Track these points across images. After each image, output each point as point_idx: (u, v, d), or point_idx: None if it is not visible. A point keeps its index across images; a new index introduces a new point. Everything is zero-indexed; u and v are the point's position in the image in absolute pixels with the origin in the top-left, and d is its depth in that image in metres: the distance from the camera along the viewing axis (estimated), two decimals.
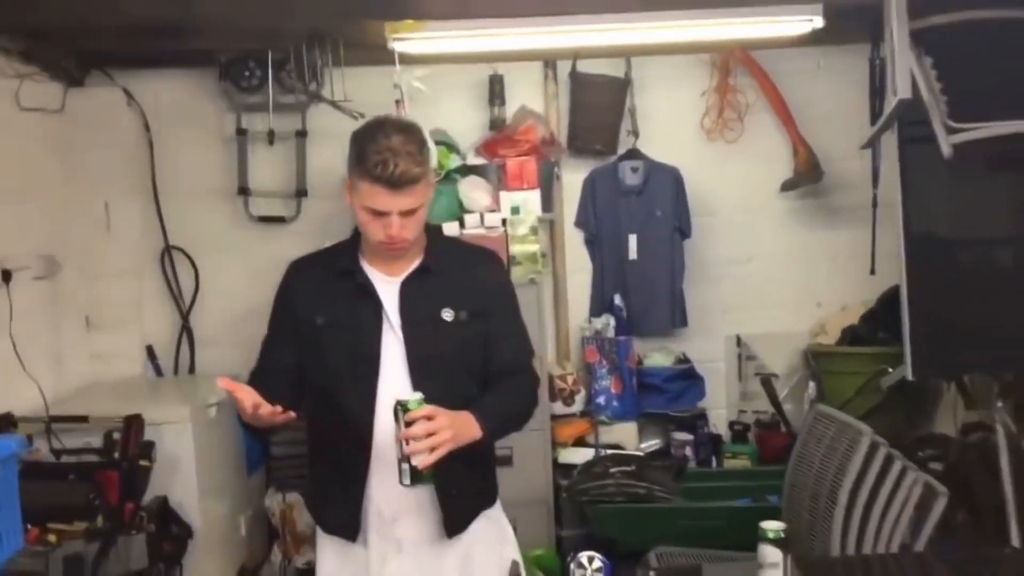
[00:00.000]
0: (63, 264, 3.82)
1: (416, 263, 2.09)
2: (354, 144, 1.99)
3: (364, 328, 2.03)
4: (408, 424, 1.82)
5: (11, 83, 3.47)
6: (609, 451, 3.87)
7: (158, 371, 4.19)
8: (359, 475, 2.03)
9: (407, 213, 1.96)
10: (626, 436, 4.02)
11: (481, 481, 2.16)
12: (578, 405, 4.07)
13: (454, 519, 2.06)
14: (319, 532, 2.16)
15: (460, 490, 2.05)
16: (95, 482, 3.04)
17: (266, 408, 1.82)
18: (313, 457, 2.20)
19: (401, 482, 1.86)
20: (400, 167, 1.91)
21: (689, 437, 4.04)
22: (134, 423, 3.20)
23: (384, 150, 1.91)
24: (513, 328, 2.16)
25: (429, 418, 1.82)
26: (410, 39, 3.37)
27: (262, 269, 4.13)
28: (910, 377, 3.16)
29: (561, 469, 3.89)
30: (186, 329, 4.22)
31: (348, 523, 2.06)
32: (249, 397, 1.82)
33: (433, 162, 1.97)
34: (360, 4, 3.29)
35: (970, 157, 3.12)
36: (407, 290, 2.06)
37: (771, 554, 1.87)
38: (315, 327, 2.06)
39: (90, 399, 3.55)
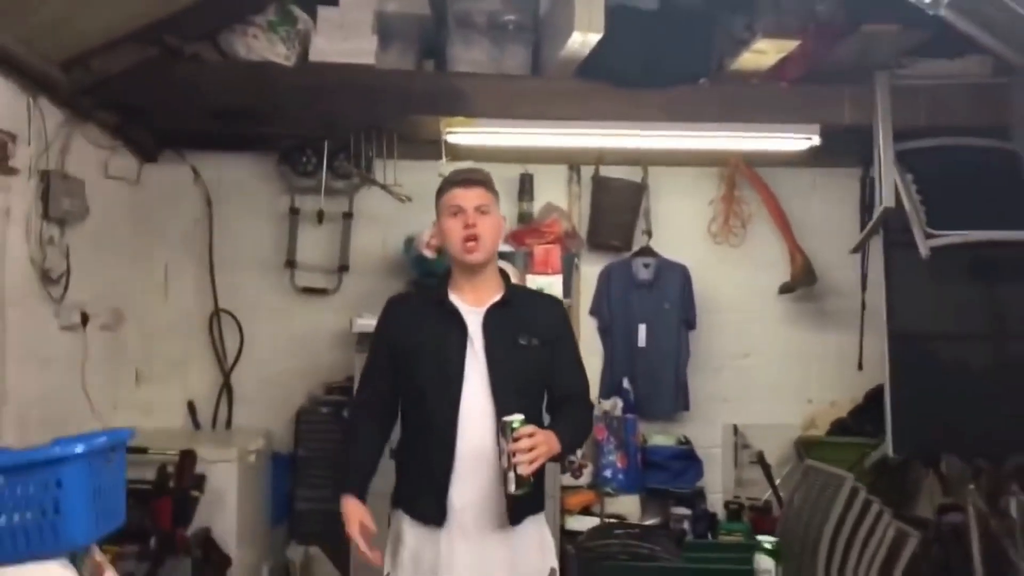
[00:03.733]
0: (126, 319, 4.20)
1: (497, 297, 2.51)
2: (440, 186, 2.54)
3: (451, 348, 2.43)
4: (515, 440, 2.20)
5: (103, 154, 3.93)
6: (614, 519, 4.15)
7: (196, 425, 4.50)
8: (444, 473, 2.39)
9: (480, 211, 2.43)
10: (629, 508, 4.32)
11: (536, 486, 2.47)
12: (586, 478, 4.37)
13: (514, 510, 2.41)
14: (402, 518, 2.49)
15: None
16: (150, 508, 3.34)
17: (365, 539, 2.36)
18: (403, 458, 2.55)
19: (507, 490, 2.25)
20: (470, 171, 2.55)
21: (688, 512, 4.32)
22: (188, 457, 3.52)
23: (460, 169, 2.55)
24: (575, 360, 2.60)
25: (530, 435, 2.22)
26: (459, 133, 3.86)
27: (302, 336, 4.57)
28: (890, 454, 3.50)
29: (568, 535, 4.16)
30: (226, 387, 4.55)
31: (436, 512, 2.41)
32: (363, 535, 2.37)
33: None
34: (420, 101, 3.78)
35: (949, 262, 3.57)
36: (490, 318, 2.47)
37: (765, 562, 2.19)
38: (409, 348, 2.47)
39: (143, 439, 3.85)
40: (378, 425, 2.55)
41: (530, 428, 2.25)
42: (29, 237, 3.27)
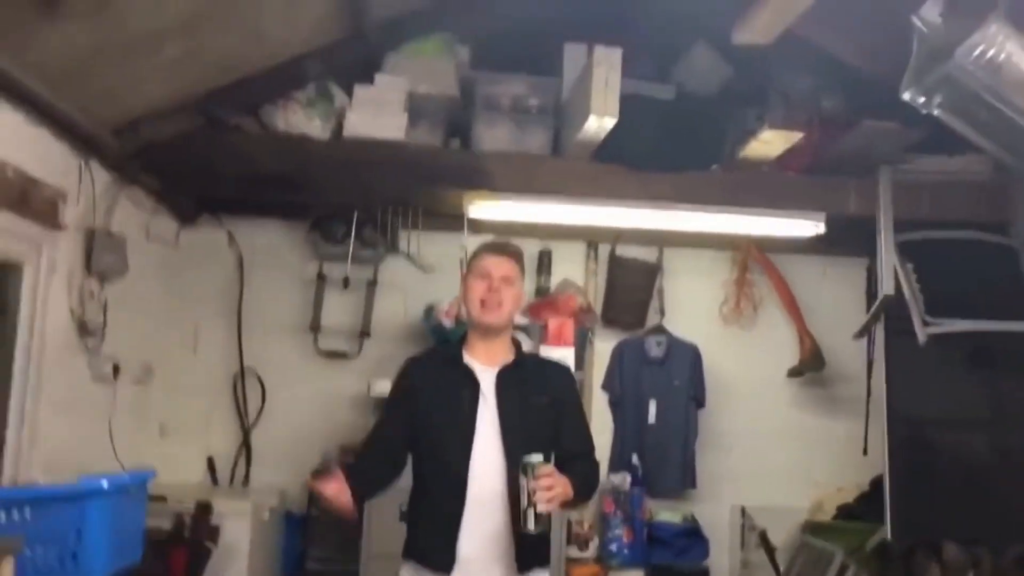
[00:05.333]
0: (155, 374, 4.38)
1: (509, 359, 2.67)
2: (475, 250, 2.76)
3: (464, 402, 2.58)
4: (536, 478, 2.34)
5: (145, 215, 4.17)
6: None
7: (215, 480, 4.63)
8: (454, 521, 2.51)
9: (505, 281, 2.61)
10: None
11: (541, 541, 2.59)
12: (591, 550, 4.44)
13: (522, 558, 2.52)
14: (412, 569, 2.59)
15: (530, 540, 2.49)
16: (165, 557, 3.46)
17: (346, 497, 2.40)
18: (414, 510, 2.67)
19: (525, 527, 2.37)
20: (505, 243, 2.78)
21: None
22: (204, 509, 3.65)
23: (497, 240, 2.74)
24: (582, 421, 2.75)
25: (549, 474, 2.36)
26: (482, 207, 4.06)
27: (321, 398, 4.71)
28: (889, 538, 3.55)
29: None
30: (246, 445, 4.68)
31: (445, 560, 2.51)
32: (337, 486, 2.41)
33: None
34: (446, 176, 3.99)
35: (948, 350, 3.68)
36: (502, 377, 2.63)
37: None
38: (424, 401, 2.62)
39: (162, 489, 3.99)
40: (384, 459, 2.64)
41: (550, 468, 2.39)
42: (71, 290, 3.48)
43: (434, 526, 2.55)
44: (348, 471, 2.54)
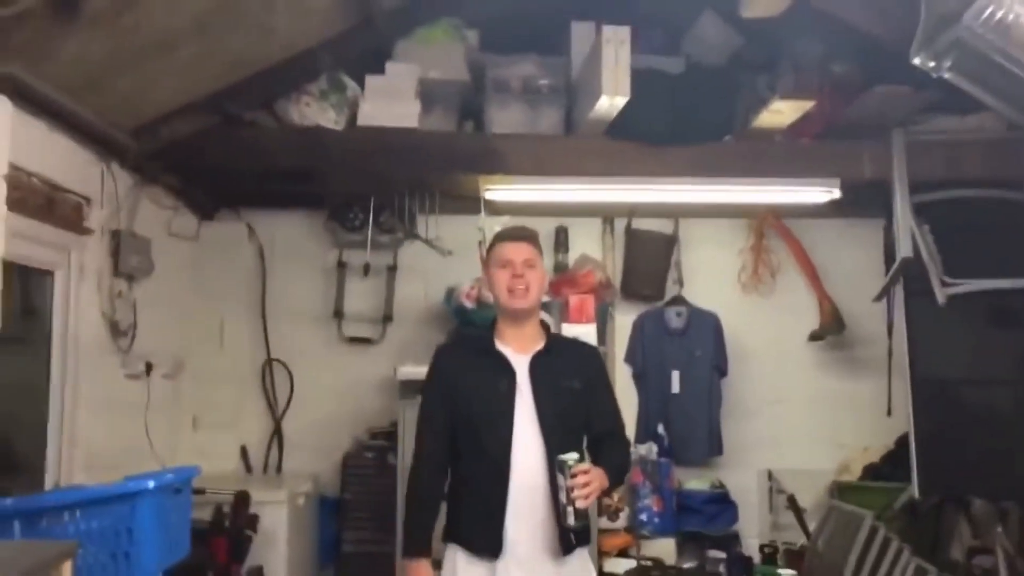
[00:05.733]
0: (185, 368, 4.46)
1: (540, 345, 2.72)
2: (491, 240, 2.80)
3: (501, 390, 2.63)
4: (572, 476, 2.40)
5: (166, 213, 4.23)
6: (650, 562, 4.27)
7: (248, 468, 4.72)
8: (499, 507, 2.56)
9: (527, 264, 2.65)
10: (665, 551, 4.44)
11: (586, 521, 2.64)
12: (622, 521, 4.50)
13: (566, 541, 2.58)
14: (456, 552, 2.64)
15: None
16: (207, 546, 3.55)
17: None
18: (457, 495, 2.71)
19: (567, 523, 2.44)
20: (520, 228, 2.79)
21: (723, 555, 4.42)
22: (242, 498, 3.73)
23: (511, 227, 2.85)
24: (612, 402, 2.81)
25: (586, 472, 2.42)
26: (497, 190, 4.10)
27: (348, 383, 4.79)
28: (916, 495, 3.60)
29: None
30: (277, 432, 4.77)
31: (492, 545, 2.57)
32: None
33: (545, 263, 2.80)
34: (460, 161, 4.03)
35: (967, 309, 3.70)
36: (536, 364, 2.68)
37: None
38: (462, 392, 2.66)
39: (199, 481, 4.08)
40: (440, 476, 2.70)
41: (586, 465, 2.46)
42: (100, 292, 3.55)
43: (479, 513, 2.60)
44: (423, 542, 2.63)
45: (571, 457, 2.43)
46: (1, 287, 2.54)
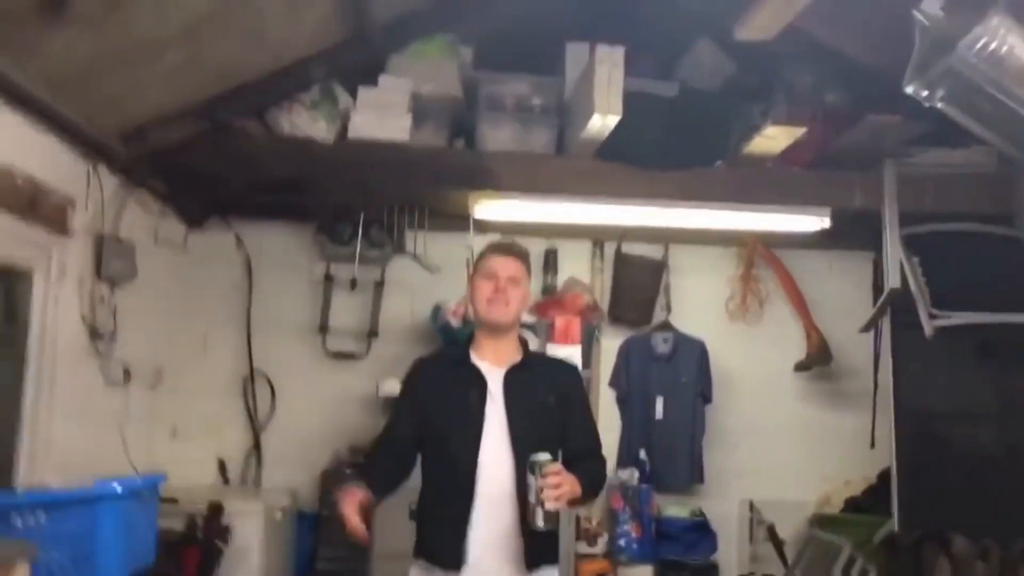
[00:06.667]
0: (165, 377, 4.41)
1: (516, 360, 2.70)
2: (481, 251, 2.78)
3: (472, 401, 2.61)
4: (543, 476, 2.37)
5: (153, 219, 4.20)
6: None
7: (226, 481, 4.66)
8: (463, 518, 2.53)
9: (511, 281, 2.63)
10: None
11: (550, 539, 2.61)
12: (600, 546, 4.46)
13: (531, 556, 2.55)
14: (422, 568, 2.61)
15: (537, 535, 2.51)
16: (177, 557, 3.50)
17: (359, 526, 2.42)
18: (423, 509, 2.69)
19: (535, 524, 2.40)
20: (512, 244, 2.81)
21: None
22: (216, 509, 3.68)
23: (503, 241, 2.78)
24: (589, 419, 2.79)
25: (557, 472, 2.38)
26: (487, 207, 4.08)
27: (331, 398, 4.74)
28: (896, 529, 3.56)
29: None
30: (257, 446, 4.71)
31: (455, 557, 2.54)
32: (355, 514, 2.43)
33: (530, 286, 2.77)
34: (451, 176, 4.02)
35: (955, 343, 3.68)
36: (510, 377, 2.66)
37: None
38: (432, 400, 2.65)
39: (174, 491, 4.02)
40: (396, 461, 2.67)
41: (557, 466, 2.42)
42: (81, 296, 3.51)
43: (443, 525, 2.57)
44: (361, 474, 2.57)
45: (544, 457, 2.40)
46: None
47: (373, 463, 2.72)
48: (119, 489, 2.27)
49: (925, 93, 2.88)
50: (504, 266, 2.68)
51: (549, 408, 2.65)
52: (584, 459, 2.66)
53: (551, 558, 2.64)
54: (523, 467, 2.47)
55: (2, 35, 2.53)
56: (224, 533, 3.67)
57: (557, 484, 2.39)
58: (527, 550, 2.54)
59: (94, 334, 3.61)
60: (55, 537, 2.23)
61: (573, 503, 2.53)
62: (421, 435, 2.66)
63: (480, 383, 2.63)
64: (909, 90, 2.88)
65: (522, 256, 2.75)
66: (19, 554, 1.84)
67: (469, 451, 2.56)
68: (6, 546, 1.92)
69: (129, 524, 2.30)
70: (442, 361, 2.87)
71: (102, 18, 2.76)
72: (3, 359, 3.21)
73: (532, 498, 2.40)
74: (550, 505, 2.38)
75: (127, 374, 3.87)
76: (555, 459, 2.47)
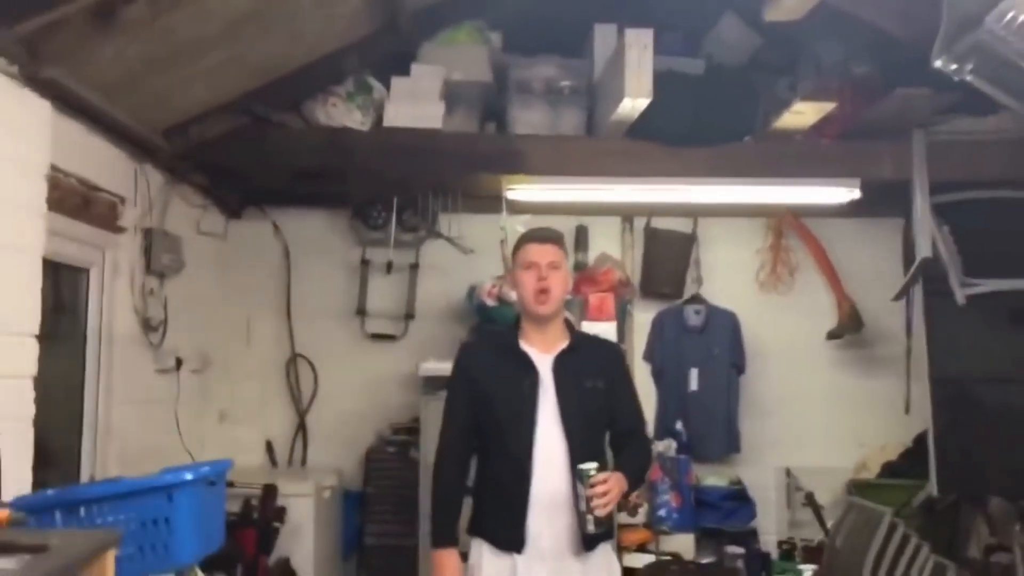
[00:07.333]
0: (212, 364, 4.55)
1: (564, 345, 2.76)
2: (517, 241, 2.84)
3: (524, 390, 2.68)
4: (591, 486, 2.47)
5: (196, 212, 4.31)
6: (669, 557, 4.33)
7: (274, 463, 4.81)
8: (522, 504, 2.62)
9: (552, 266, 2.70)
10: (684, 546, 4.48)
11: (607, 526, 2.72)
12: (641, 516, 4.55)
13: (587, 538, 2.63)
14: (481, 546, 2.70)
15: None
16: (236, 538, 3.63)
17: None
18: (481, 491, 2.78)
19: (586, 530, 2.52)
20: (545, 229, 2.83)
21: (741, 551, 4.47)
22: (271, 490, 3.82)
23: (536, 228, 2.87)
24: (634, 400, 2.85)
25: (604, 481, 2.49)
26: (519, 189, 4.16)
27: (371, 379, 4.86)
28: (935, 494, 3.64)
29: (625, 572, 4.30)
30: (302, 427, 4.85)
31: (515, 539, 2.63)
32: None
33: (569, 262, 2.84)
34: (483, 161, 4.10)
35: (987, 309, 3.73)
36: (559, 363, 2.72)
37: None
38: (486, 389, 2.72)
39: (228, 474, 4.16)
40: (463, 467, 2.77)
41: (604, 475, 2.51)
42: (133, 289, 3.64)
43: (502, 509, 2.65)
44: (449, 532, 2.69)
45: (591, 467, 2.50)
46: (41, 284, 2.65)
47: (446, 486, 2.74)
48: (190, 477, 2.38)
49: (954, 67, 2.91)
50: (543, 253, 2.74)
51: (598, 392, 2.71)
52: (630, 440, 2.75)
53: (607, 534, 2.73)
54: (576, 452, 2.56)
55: (58, 46, 2.62)
56: (280, 514, 3.81)
57: (604, 492, 2.48)
58: (584, 537, 2.62)
59: (146, 325, 3.74)
60: (131, 526, 2.34)
61: (624, 496, 2.62)
62: (476, 424, 2.74)
63: (532, 371, 2.70)
64: (937, 64, 2.91)
65: (558, 240, 2.82)
66: (109, 543, 1.95)
67: (524, 440, 2.63)
68: (95, 536, 2.03)
69: (201, 511, 2.41)
70: (489, 348, 2.94)
71: (149, 24, 2.85)
72: (64, 354, 3.35)
73: (582, 506, 2.51)
74: (599, 512, 2.48)
75: (178, 362, 4.00)
76: (602, 466, 2.55)
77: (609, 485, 2.50)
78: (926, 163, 3.86)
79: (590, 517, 2.50)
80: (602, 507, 2.49)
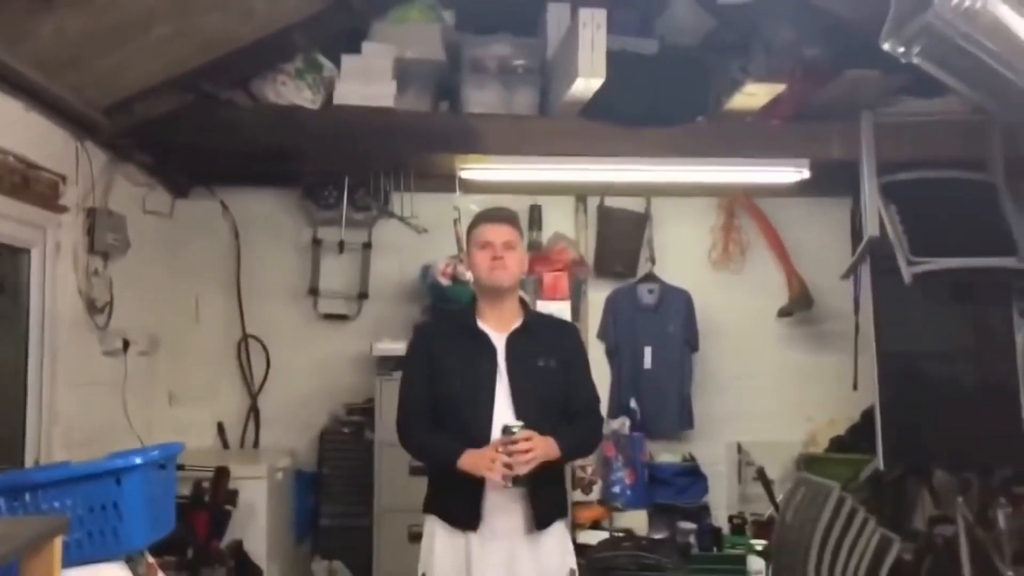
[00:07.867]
0: (160, 345, 4.47)
1: (517, 323, 2.77)
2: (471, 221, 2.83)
3: (483, 369, 2.69)
4: (513, 443, 2.53)
5: (141, 191, 4.22)
6: (622, 533, 4.38)
7: (225, 445, 4.75)
8: (477, 481, 2.62)
9: (506, 246, 2.71)
10: (637, 522, 4.54)
11: (558, 495, 2.79)
12: (595, 493, 4.59)
13: (539, 517, 2.67)
14: (435, 523, 2.72)
15: (544, 496, 2.67)
16: (187, 521, 3.58)
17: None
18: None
19: (504, 484, 2.55)
20: (499, 209, 2.86)
21: (693, 526, 4.53)
22: (222, 473, 3.77)
23: (490, 208, 2.88)
24: (587, 379, 2.86)
25: (527, 439, 2.52)
26: (473, 169, 4.14)
27: (324, 359, 4.83)
28: (881, 467, 3.72)
29: (579, 549, 4.34)
30: (254, 409, 4.80)
31: (470, 517, 2.64)
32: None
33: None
34: (436, 140, 4.06)
35: (932, 286, 3.81)
36: (512, 342, 2.73)
37: (756, 563, 2.42)
38: (443, 367, 2.72)
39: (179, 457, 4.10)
40: (426, 424, 2.76)
41: (527, 433, 2.55)
42: (77, 270, 3.55)
43: (458, 487, 2.65)
44: (454, 444, 2.66)
45: (516, 425, 2.57)
46: None
47: (427, 429, 2.74)
48: (139, 460, 2.34)
49: (902, 50, 2.95)
50: (497, 233, 2.74)
51: (551, 371, 2.73)
52: (581, 418, 2.77)
53: (560, 514, 2.77)
54: (530, 429, 2.57)
55: None
56: (232, 496, 3.77)
57: (526, 449, 2.53)
58: (535, 512, 2.65)
59: (91, 307, 3.66)
60: (79, 511, 2.30)
61: (557, 462, 2.66)
62: (435, 400, 2.74)
63: (490, 349, 2.71)
64: (886, 47, 2.95)
65: (512, 220, 2.82)
66: (56, 529, 1.92)
67: (482, 418, 2.64)
68: (39, 522, 1.99)
69: (151, 495, 2.37)
70: (446, 326, 2.94)
71: None
72: (5, 337, 3.27)
73: (504, 460, 2.55)
74: (519, 469, 2.54)
75: (125, 344, 3.92)
76: (552, 428, 2.60)
77: (532, 444, 2.54)
78: (874, 144, 3.92)
79: (508, 473, 2.55)
80: (521, 464, 2.52)
